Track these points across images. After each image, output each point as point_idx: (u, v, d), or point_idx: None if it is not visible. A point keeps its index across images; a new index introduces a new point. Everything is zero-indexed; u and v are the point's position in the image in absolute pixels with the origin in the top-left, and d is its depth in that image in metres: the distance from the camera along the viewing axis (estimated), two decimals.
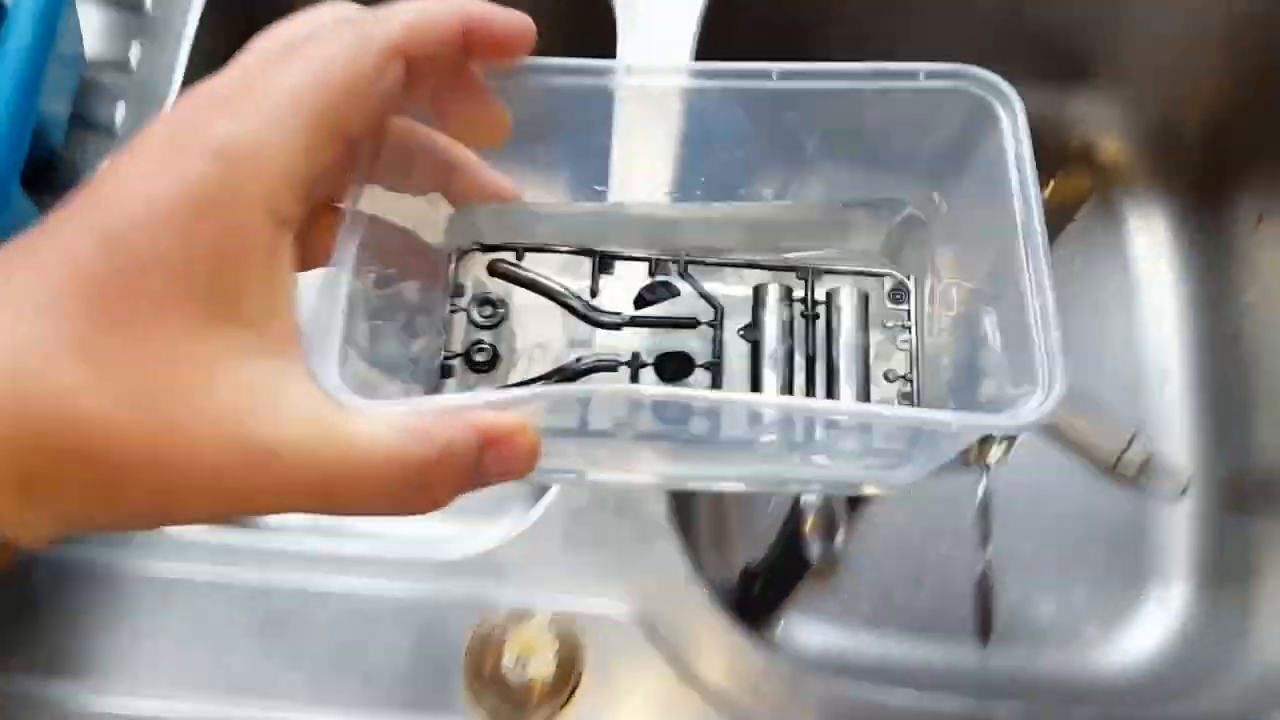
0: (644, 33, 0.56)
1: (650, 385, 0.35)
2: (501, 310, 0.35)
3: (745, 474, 0.37)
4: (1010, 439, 0.61)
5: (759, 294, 0.36)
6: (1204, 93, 0.65)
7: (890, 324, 0.36)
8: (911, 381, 0.35)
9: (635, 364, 0.35)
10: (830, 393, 0.35)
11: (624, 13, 0.57)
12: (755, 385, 0.35)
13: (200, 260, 0.22)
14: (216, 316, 0.23)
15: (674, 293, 0.36)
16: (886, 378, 0.35)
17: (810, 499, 0.58)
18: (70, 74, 0.51)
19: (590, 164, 0.35)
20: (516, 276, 0.36)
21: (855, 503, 0.60)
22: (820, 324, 0.36)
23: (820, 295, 0.36)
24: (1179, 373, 0.65)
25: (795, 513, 0.58)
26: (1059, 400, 0.26)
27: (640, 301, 0.36)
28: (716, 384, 0.35)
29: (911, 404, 0.35)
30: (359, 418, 0.23)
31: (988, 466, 0.61)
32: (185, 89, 0.53)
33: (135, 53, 0.54)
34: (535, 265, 0.36)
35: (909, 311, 0.36)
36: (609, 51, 0.56)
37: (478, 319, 0.35)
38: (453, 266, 0.36)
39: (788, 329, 0.35)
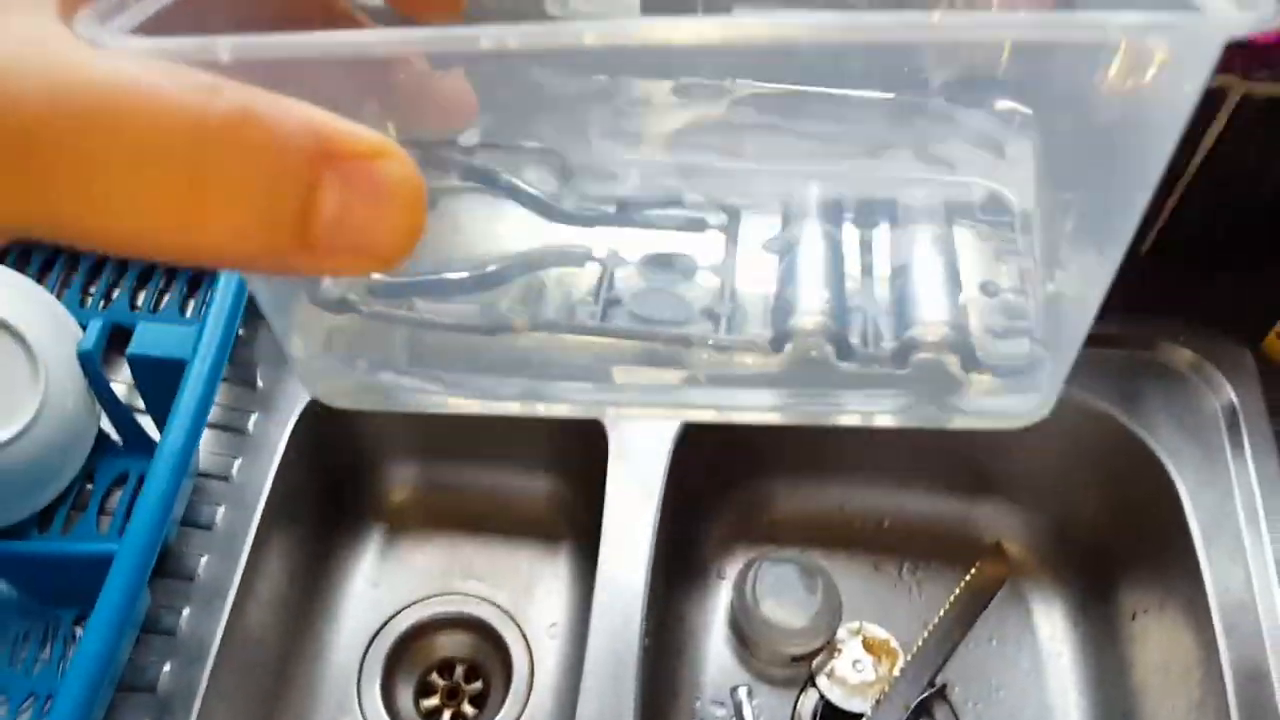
0: (631, 462, 0.72)
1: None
2: (431, 198, 0.26)
3: (775, 397, 0.27)
4: None
5: (790, 197, 0.28)
6: (1084, 511, 0.80)
7: (986, 238, 0.27)
8: (1026, 294, 0.26)
9: (611, 261, 0.27)
10: (902, 317, 0.26)
11: (615, 444, 0.73)
12: (782, 311, 0.26)
13: None
14: None
15: (673, 198, 0.28)
16: (985, 291, 0.27)
17: None
18: (187, 484, 0.66)
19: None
20: (458, 164, 0.28)
21: None
22: (880, 234, 0.27)
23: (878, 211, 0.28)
24: None
25: None
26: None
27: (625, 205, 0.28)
28: (726, 301, 0.27)
29: (1028, 324, 0.26)
30: (111, 52, 0.16)
31: None
32: (273, 496, 0.68)
33: (236, 466, 0.69)
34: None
35: (1011, 223, 0.27)
36: (601, 477, 0.71)
37: None
38: None
39: (834, 244, 0.27)
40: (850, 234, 0.27)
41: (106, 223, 0.15)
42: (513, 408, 0.27)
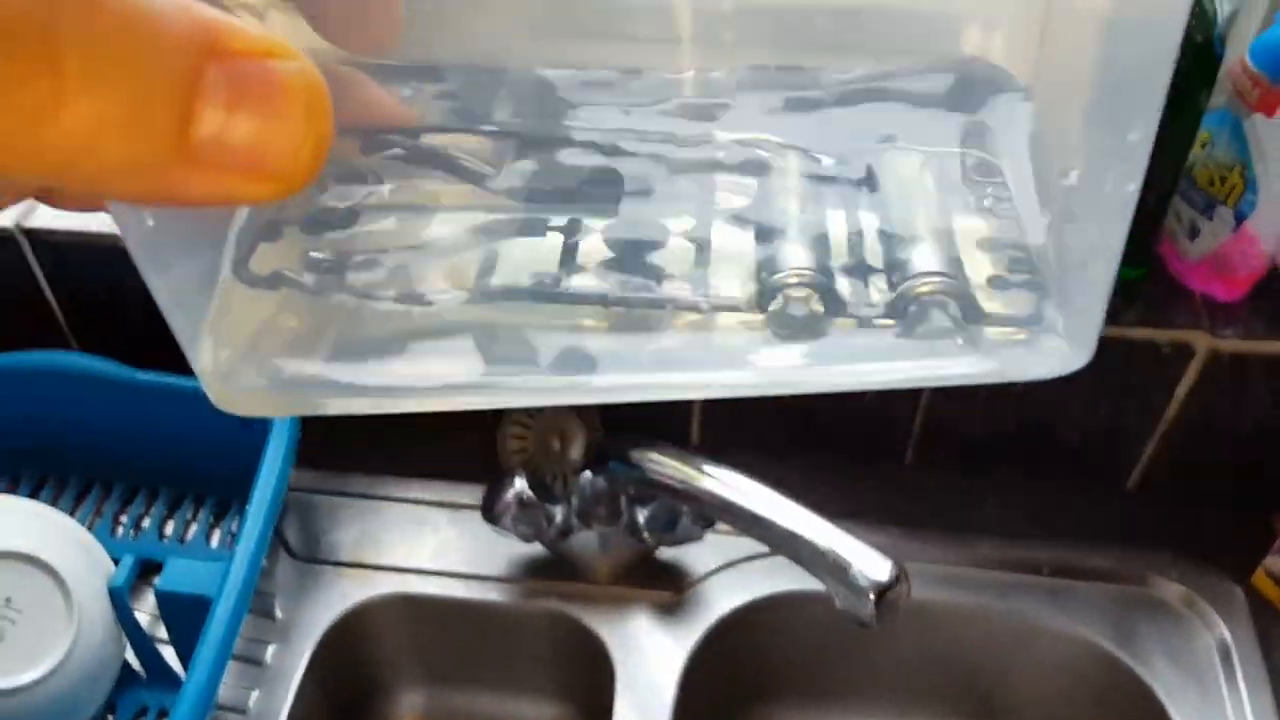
0: (638, 692, 0.73)
1: None
2: (375, 180, 0.26)
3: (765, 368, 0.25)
4: None
5: (767, 164, 0.27)
6: None
7: (976, 197, 0.26)
8: (1026, 250, 0.25)
9: (573, 230, 0.25)
10: (894, 272, 0.25)
11: (622, 675, 0.74)
12: (764, 271, 0.25)
13: None
14: None
15: (642, 170, 0.26)
16: (982, 246, 0.26)
17: None
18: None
19: None
20: (404, 147, 0.27)
21: None
22: (867, 198, 0.26)
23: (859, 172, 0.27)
24: None
25: None
26: None
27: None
28: (702, 265, 0.25)
29: (1032, 274, 0.25)
30: None
31: None
32: None
33: (253, 699, 0.71)
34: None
35: (1005, 181, 0.26)
36: (609, 706, 0.73)
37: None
38: None
39: (817, 208, 0.26)
40: (835, 199, 0.26)
41: None
42: (468, 399, 0.24)
